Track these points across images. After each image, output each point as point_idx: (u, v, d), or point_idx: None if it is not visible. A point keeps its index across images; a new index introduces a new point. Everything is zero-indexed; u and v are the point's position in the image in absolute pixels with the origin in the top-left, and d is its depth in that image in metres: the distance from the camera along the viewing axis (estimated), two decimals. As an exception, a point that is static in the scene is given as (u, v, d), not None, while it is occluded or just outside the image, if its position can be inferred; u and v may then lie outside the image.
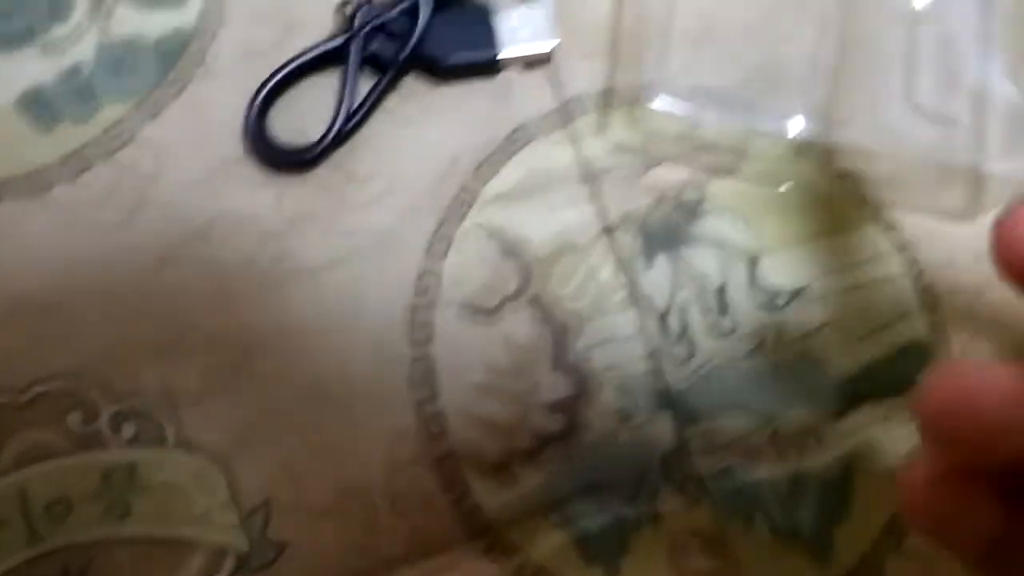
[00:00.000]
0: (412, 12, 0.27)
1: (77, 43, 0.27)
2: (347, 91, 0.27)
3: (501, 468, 0.25)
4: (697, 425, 0.26)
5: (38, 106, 0.26)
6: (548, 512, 0.25)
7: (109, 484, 0.23)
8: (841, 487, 0.26)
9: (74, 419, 0.24)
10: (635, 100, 0.28)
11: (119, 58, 0.27)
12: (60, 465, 0.23)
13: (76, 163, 0.26)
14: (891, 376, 0.27)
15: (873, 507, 0.26)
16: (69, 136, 0.26)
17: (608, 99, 0.29)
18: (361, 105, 0.27)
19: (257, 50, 0.28)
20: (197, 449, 0.24)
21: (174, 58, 0.27)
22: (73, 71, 0.27)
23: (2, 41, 0.27)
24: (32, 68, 0.27)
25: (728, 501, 0.25)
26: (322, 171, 0.27)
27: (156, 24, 0.27)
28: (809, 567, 0.25)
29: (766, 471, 0.26)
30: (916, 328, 0.28)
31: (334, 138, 0.27)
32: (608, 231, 0.27)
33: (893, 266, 0.28)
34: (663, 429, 0.26)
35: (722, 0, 0.29)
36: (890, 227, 0.29)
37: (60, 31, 0.27)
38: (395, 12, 0.27)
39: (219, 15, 0.28)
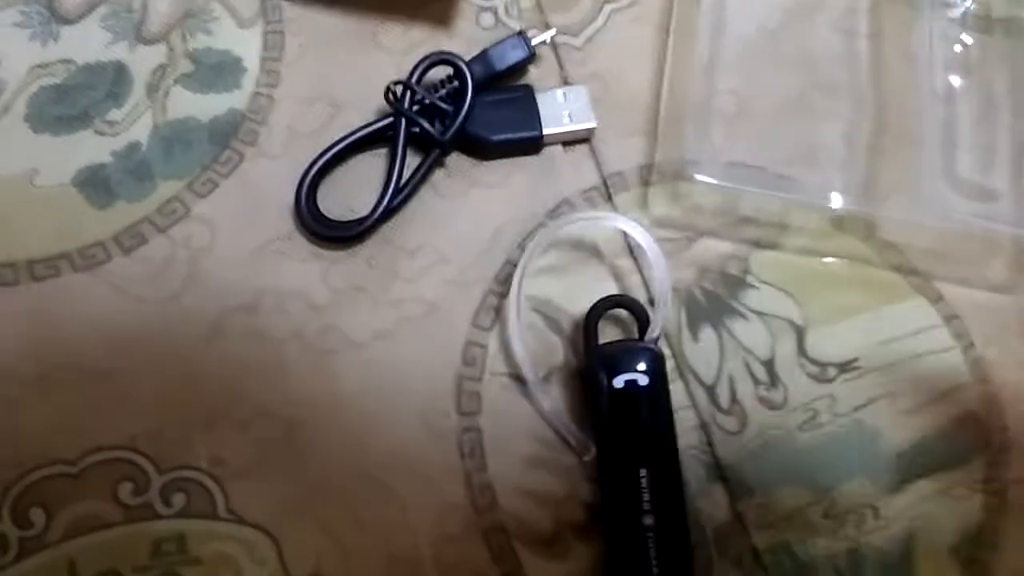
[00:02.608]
0: (457, 93, 0.31)
1: (134, 124, 0.31)
2: (395, 167, 0.31)
3: (552, 541, 0.27)
4: (751, 498, 0.28)
5: (96, 184, 0.30)
6: (603, 586, 0.27)
7: (159, 555, 0.26)
8: (901, 562, 0.28)
9: (125, 490, 0.26)
10: (676, 176, 0.32)
11: (174, 138, 0.31)
12: (110, 536, 0.26)
13: (131, 239, 0.30)
14: (946, 449, 0.30)
15: (936, 583, 0.28)
16: (125, 212, 0.30)
17: (649, 175, 0.33)
18: (408, 181, 0.31)
19: (307, 130, 0.32)
20: (246, 521, 0.27)
21: (227, 138, 0.31)
22: (130, 150, 0.31)
23: (63, 122, 0.31)
24: (90, 147, 0.31)
25: (786, 574, 0.27)
26: (370, 245, 0.31)
27: (210, 105, 0.32)
28: (874, 645, 0.27)
29: (824, 545, 0.28)
30: (969, 400, 0.30)
31: (382, 213, 0.30)
32: (652, 304, 0.30)
33: (943, 338, 0.31)
34: (717, 502, 0.28)
35: (759, 80, 0.34)
36: (938, 299, 0.32)
37: (118, 113, 0.31)
38: (442, 92, 0.31)
39: (270, 96, 0.32)
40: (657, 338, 0.29)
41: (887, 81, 0.34)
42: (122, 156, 0.31)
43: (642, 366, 0.27)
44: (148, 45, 0.32)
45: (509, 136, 0.32)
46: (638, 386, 0.27)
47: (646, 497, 0.26)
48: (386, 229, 0.31)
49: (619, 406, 0.27)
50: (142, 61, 0.32)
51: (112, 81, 0.32)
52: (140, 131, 0.31)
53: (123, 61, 0.32)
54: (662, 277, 0.29)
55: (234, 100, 0.32)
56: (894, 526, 0.29)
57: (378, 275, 0.30)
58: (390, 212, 0.31)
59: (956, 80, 0.34)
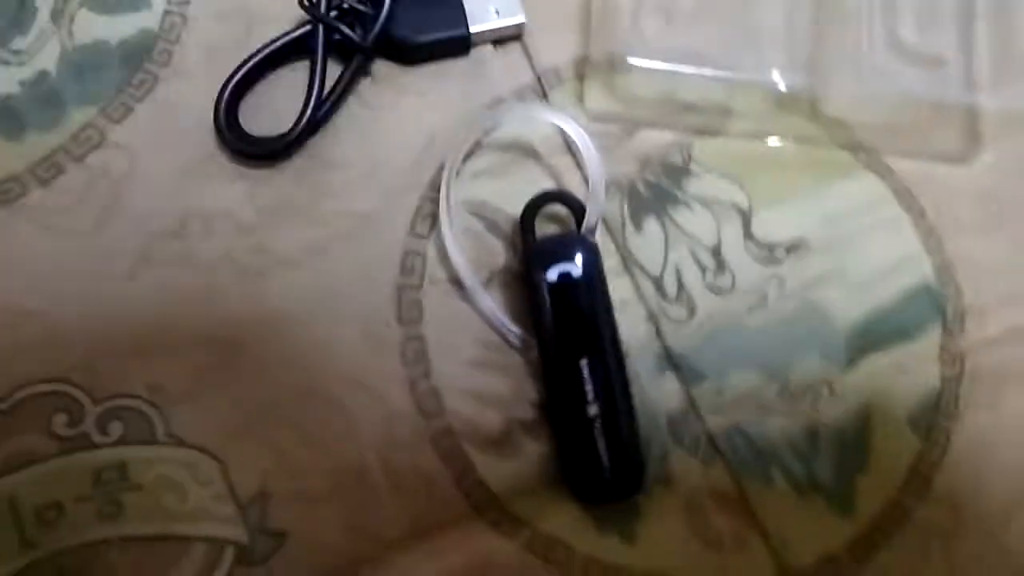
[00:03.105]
0: (377, -4, 0.31)
1: (39, 51, 0.30)
2: (316, 79, 0.30)
3: (502, 441, 0.27)
4: (703, 384, 0.29)
5: (5, 116, 0.29)
6: (555, 481, 0.27)
7: (100, 484, 0.26)
8: (858, 436, 0.28)
9: (59, 421, 0.26)
10: (611, 67, 0.32)
11: (84, 63, 0.30)
12: (48, 469, 0.26)
13: (47, 170, 0.29)
14: (900, 321, 0.30)
15: (893, 454, 0.28)
16: (38, 143, 0.29)
17: (583, 68, 0.32)
18: (331, 92, 0.31)
19: (222, 47, 0.31)
20: (188, 444, 0.27)
21: (139, 60, 0.31)
22: (38, 79, 0.30)
23: (-35, 56, 0.30)
24: (-4, 79, 0.30)
25: (742, 458, 0.28)
26: (297, 161, 0.30)
27: (119, 28, 0.31)
28: (833, 518, 0.28)
29: (779, 426, 0.28)
30: (922, 272, 0.30)
31: (306, 126, 0.30)
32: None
33: (893, 211, 0.31)
34: (669, 391, 0.28)
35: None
36: (888, 173, 0.32)
37: (22, 41, 0.30)
38: (362, -6, 0.31)
39: (182, 15, 0.31)
40: (594, 229, 0.29)
41: (823, -50, 0.33)
42: (30, 85, 0.30)
43: (577, 258, 0.27)
44: (49, -31, 0.31)
45: (435, 36, 0.31)
46: (572, 278, 0.27)
47: (588, 387, 0.26)
48: (313, 144, 0.30)
49: (555, 299, 0.27)
50: (45, -13, 0.31)
51: (15, 9, 0.31)
52: (47, 58, 0.30)
53: (25, -12, 0.31)
54: (595, 168, 0.29)
55: (144, 20, 0.31)
56: (849, 399, 0.29)
57: (308, 191, 0.30)
58: (315, 126, 0.30)
59: (896, -57, 0.33)
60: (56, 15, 0.31)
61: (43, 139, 0.29)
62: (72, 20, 0.31)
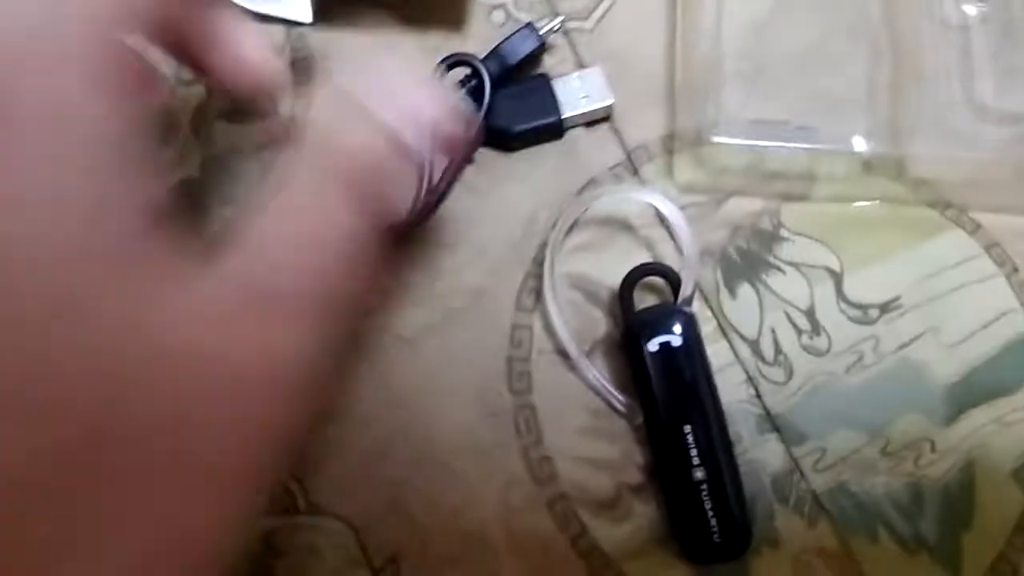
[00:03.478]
0: (477, 91, 0.33)
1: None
2: (426, 170, 0.33)
3: (614, 504, 0.29)
4: (805, 444, 0.30)
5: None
6: (666, 543, 0.28)
7: (248, 552, 0.28)
8: (962, 493, 0.29)
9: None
10: (698, 141, 0.33)
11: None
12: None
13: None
14: (998, 376, 0.30)
15: (998, 510, 0.29)
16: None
17: (671, 144, 0.34)
18: (441, 180, 0.33)
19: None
20: (325, 513, 0.29)
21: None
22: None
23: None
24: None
25: (848, 516, 0.29)
26: (411, 245, 0.33)
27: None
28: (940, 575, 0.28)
29: (883, 483, 0.29)
30: (1018, 325, 0.31)
31: (418, 215, 0.32)
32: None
33: (985, 266, 0.32)
34: (772, 451, 0.30)
35: (771, 36, 0.35)
36: (976, 228, 0.32)
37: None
38: (462, 92, 0.33)
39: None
40: (690, 299, 0.30)
41: (899, 18, 0.34)
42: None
43: (675, 327, 0.28)
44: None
45: (530, 125, 0.34)
46: (672, 347, 0.28)
47: (693, 452, 0.27)
48: (423, 230, 0.33)
49: (657, 369, 0.28)
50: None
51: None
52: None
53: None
54: (688, 240, 0.31)
55: (270, 126, 0.35)
56: (952, 457, 0.29)
57: (421, 273, 0.32)
58: (426, 213, 0.33)
59: (970, 8, 0.34)
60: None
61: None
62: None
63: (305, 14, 0.35)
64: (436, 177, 0.31)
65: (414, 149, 0.23)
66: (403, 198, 0.25)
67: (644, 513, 0.29)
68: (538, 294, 0.32)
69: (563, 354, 0.31)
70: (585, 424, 0.30)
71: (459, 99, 0.33)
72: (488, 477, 0.30)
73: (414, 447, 0.30)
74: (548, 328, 0.31)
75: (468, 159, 0.34)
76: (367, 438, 0.30)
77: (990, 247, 0.32)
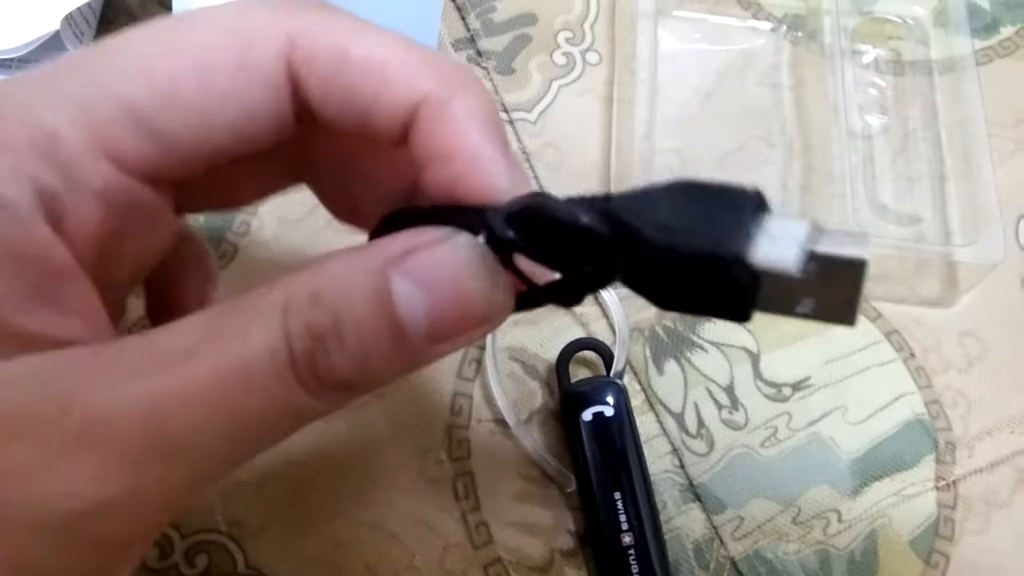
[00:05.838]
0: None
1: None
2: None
3: (546, 569, 0.30)
4: (725, 513, 0.31)
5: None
6: (594, 606, 0.29)
7: (187, 613, 0.28)
8: (866, 560, 0.31)
9: (151, 556, 0.29)
10: (630, 227, 0.35)
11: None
12: (142, 600, 0.28)
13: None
14: (898, 452, 0.32)
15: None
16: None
17: (606, 229, 0.36)
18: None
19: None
20: (266, 574, 0.29)
21: (223, 230, 0.34)
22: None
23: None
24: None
25: (762, 581, 0.30)
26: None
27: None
28: (847, 638, 0.29)
29: (795, 550, 0.31)
30: (914, 407, 0.33)
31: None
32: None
33: (885, 351, 0.34)
34: (694, 519, 0.31)
35: (698, 137, 0.37)
36: (877, 317, 0.35)
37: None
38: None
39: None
40: (622, 373, 0.32)
41: (811, 126, 0.38)
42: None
43: (608, 399, 0.30)
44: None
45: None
46: (604, 417, 0.30)
47: (623, 518, 0.28)
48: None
49: (591, 437, 0.29)
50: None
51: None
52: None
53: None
54: (620, 318, 0.32)
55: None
56: (857, 526, 0.31)
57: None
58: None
59: (874, 119, 0.38)
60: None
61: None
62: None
63: None
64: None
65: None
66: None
67: (575, 577, 0.30)
68: (479, 364, 0.33)
69: (501, 423, 0.32)
70: (521, 490, 0.31)
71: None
72: (426, 541, 0.30)
73: (355, 510, 0.30)
74: (488, 397, 0.32)
75: None
76: (308, 501, 0.30)
77: (890, 334, 0.35)
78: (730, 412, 0.33)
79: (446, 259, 0.16)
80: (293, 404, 0.16)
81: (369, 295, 0.16)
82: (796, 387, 0.34)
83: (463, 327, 0.17)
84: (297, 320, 0.15)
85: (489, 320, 0.17)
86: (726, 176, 0.37)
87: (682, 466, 0.32)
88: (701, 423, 0.33)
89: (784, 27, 0.40)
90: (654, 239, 0.16)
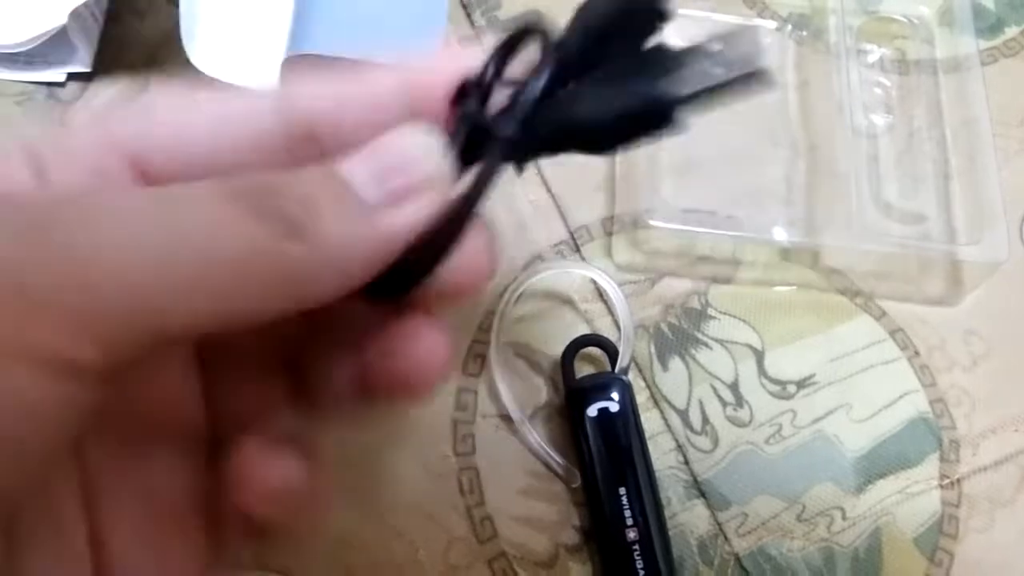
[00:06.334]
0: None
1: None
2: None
3: (551, 564, 0.30)
4: (729, 509, 0.31)
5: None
6: (599, 601, 0.29)
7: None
8: (870, 558, 0.31)
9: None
10: (635, 225, 0.35)
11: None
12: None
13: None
14: (902, 450, 0.32)
15: (902, 575, 0.30)
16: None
17: (611, 226, 0.36)
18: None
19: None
20: (270, 569, 0.29)
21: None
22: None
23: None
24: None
25: (766, 577, 0.30)
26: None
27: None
28: (851, 634, 0.29)
29: (798, 547, 0.30)
30: (918, 405, 0.33)
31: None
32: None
33: (889, 350, 0.34)
34: (698, 515, 0.31)
35: (703, 135, 0.37)
36: (882, 315, 0.35)
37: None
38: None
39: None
40: (626, 369, 0.32)
41: (816, 125, 0.37)
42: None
43: (613, 394, 0.30)
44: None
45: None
46: (610, 413, 0.30)
47: (628, 514, 0.28)
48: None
49: (596, 433, 0.29)
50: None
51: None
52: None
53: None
54: (625, 315, 0.32)
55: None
56: (861, 524, 0.31)
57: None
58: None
59: (878, 119, 0.38)
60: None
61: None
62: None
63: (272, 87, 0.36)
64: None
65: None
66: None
67: (580, 573, 0.30)
68: (483, 360, 0.33)
69: (506, 418, 0.32)
70: (525, 486, 0.31)
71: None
72: (431, 535, 0.30)
73: (360, 505, 0.30)
74: (492, 393, 0.32)
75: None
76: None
77: (894, 332, 0.35)
78: (735, 409, 0.33)
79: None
80: (248, 235, 0.15)
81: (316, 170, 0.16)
82: (801, 384, 0.33)
83: (406, 178, 0.16)
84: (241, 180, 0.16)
85: (433, 177, 0.16)
86: (732, 175, 0.37)
87: (686, 462, 0.32)
88: (706, 420, 0.33)
89: (789, 26, 0.40)
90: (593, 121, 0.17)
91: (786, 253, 0.36)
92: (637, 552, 0.28)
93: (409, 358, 0.17)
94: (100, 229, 0.14)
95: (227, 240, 0.15)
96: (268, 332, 0.18)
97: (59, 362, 0.14)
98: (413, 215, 0.16)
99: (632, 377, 0.33)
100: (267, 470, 0.17)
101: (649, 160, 0.37)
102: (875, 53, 0.40)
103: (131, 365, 0.15)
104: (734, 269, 0.36)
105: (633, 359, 0.33)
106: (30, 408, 0.14)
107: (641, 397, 0.33)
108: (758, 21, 0.40)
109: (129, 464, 0.18)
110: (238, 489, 0.17)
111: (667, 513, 0.30)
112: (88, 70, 0.36)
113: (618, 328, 0.34)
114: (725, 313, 0.35)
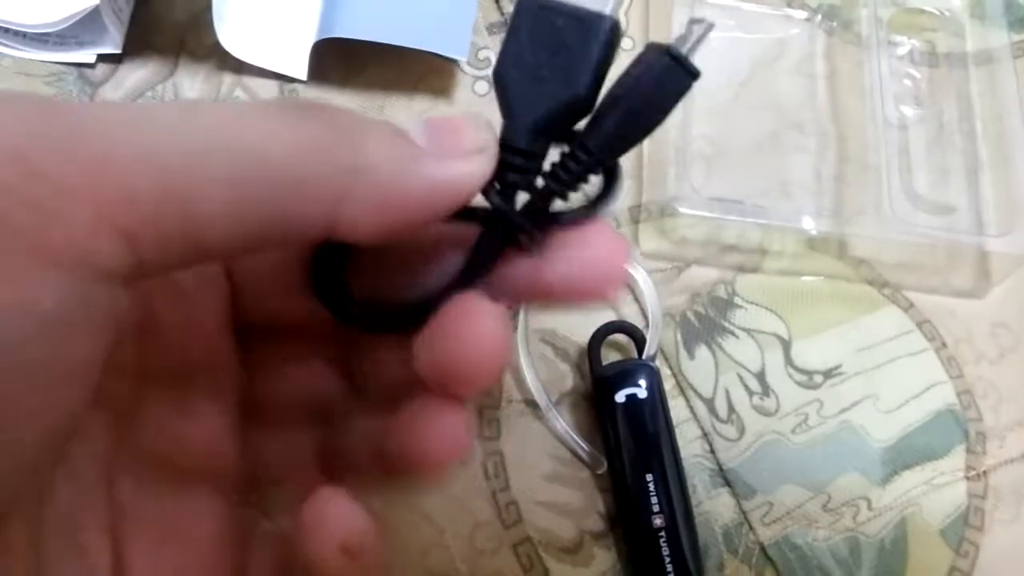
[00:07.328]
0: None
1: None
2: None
3: (576, 549, 0.30)
4: (755, 498, 0.31)
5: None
6: (624, 587, 0.29)
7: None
8: (896, 549, 0.30)
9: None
10: (662, 213, 0.35)
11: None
12: None
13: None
14: (928, 441, 0.32)
15: (929, 565, 0.30)
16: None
17: (638, 214, 0.36)
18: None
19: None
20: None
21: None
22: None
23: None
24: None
25: (791, 568, 0.30)
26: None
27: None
28: (876, 625, 0.29)
29: (824, 537, 0.30)
30: (945, 396, 0.33)
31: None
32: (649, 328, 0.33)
33: (916, 341, 0.34)
34: (723, 504, 0.31)
35: (731, 124, 0.37)
36: (909, 306, 0.35)
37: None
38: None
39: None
40: (653, 356, 0.31)
41: (845, 116, 0.37)
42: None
43: (641, 381, 0.30)
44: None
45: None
46: (638, 399, 0.29)
47: (654, 500, 0.28)
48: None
49: (624, 419, 0.29)
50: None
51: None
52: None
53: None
54: (653, 302, 0.32)
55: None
56: (886, 514, 0.31)
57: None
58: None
59: (908, 110, 0.37)
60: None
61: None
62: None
63: (301, 72, 0.36)
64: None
65: None
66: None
67: (605, 559, 0.30)
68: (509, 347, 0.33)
69: (532, 404, 0.32)
70: (551, 471, 0.31)
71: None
72: (457, 519, 0.30)
73: (385, 488, 0.30)
74: (519, 379, 0.32)
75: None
76: (341, 476, 0.30)
77: (922, 324, 0.34)
78: (761, 398, 0.33)
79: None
80: (291, 135, 0.15)
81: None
82: (827, 375, 0.33)
83: (459, 138, 0.16)
84: None
85: (483, 144, 0.16)
86: (760, 164, 0.37)
87: (712, 451, 0.32)
88: (732, 408, 0.32)
89: (819, 16, 0.40)
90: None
91: (813, 243, 0.35)
92: (663, 539, 0.28)
93: (428, 439, 0.17)
94: (128, 115, 0.14)
95: (264, 136, 0.14)
96: (302, 388, 0.19)
97: (81, 263, 0.13)
98: (464, 170, 0.16)
99: (658, 365, 0.33)
100: (345, 520, 0.16)
101: (677, 149, 0.36)
102: (905, 45, 0.40)
103: (160, 271, 0.14)
104: (761, 258, 0.35)
105: (659, 347, 0.33)
106: (48, 319, 0.12)
107: (667, 385, 0.32)
108: (787, 11, 0.40)
109: (161, 500, 0.17)
110: (309, 537, 0.16)
111: (692, 501, 0.30)
112: (119, 52, 0.36)
113: (644, 315, 0.33)
114: (752, 302, 0.34)
